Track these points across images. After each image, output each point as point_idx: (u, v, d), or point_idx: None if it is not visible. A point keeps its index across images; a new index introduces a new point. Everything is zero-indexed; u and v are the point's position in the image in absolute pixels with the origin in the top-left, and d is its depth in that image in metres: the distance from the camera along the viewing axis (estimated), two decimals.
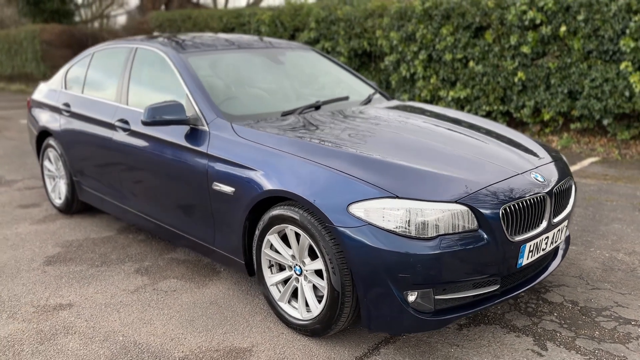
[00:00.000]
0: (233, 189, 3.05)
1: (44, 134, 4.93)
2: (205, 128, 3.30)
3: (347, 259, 2.54)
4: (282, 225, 2.83)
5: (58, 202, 4.90)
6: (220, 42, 4.20)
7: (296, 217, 2.72)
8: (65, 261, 3.91)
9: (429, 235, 2.45)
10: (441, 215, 2.47)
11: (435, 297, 2.53)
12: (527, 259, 2.74)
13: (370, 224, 2.48)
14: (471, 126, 3.54)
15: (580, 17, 6.96)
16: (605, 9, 6.81)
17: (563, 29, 7.13)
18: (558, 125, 7.80)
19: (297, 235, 2.81)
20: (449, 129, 3.38)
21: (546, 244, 2.85)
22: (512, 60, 7.74)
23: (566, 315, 3.06)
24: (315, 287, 2.85)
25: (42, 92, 5.14)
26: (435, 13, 8.33)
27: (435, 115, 3.73)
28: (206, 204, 3.26)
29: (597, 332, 2.89)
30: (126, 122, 3.83)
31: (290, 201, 2.81)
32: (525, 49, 7.51)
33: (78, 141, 4.38)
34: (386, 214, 2.47)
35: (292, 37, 10.56)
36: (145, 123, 3.30)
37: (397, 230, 2.45)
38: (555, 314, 3.07)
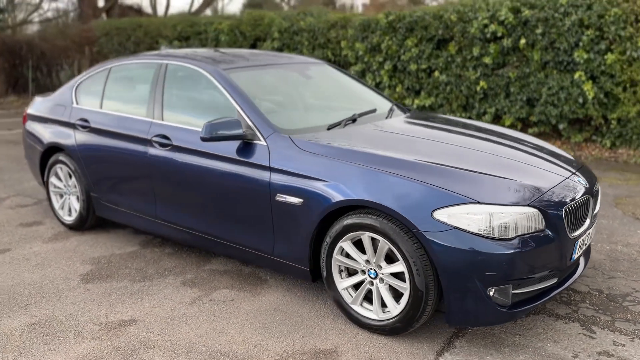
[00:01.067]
0: (301, 200, 3.21)
1: (51, 150, 4.83)
2: (263, 142, 3.44)
3: (434, 261, 2.78)
4: (357, 232, 3.03)
5: (68, 219, 4.80)
6: (248, 57, 4.33)
7: (375, 224, 2.92)
8: (103, 278, 3.89)
9: (510, 236, 2.74)
10: (518, 217, 2.77)
11: (513, 291, 2.82)
12: (577, 253, 3.10)
13: (456, 227, 2.74)
14: (504, 136, 3.87)
15: (538, 31, 7.59)
16: (560, 23, 7.47)
17: (522, 41, 7.74)
18: (517, 130, 8.40)
19: (372, 241, 3.02)
20: (488, 140, 3.69)
21: (588, 239, 3.23)
22: (474, 70, 8.27)
23: (597, 302, 3.45)
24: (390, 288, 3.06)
25: (42, 106, 5.01)
26: (399, 26, 8.74)
27: (464, 126, 4.04)
28: (266, 214, 3.38)
29: (629, 315, 3.29)
30: (166, 138, 3.87)
31: (366, 209, 3.01)
32: (486, 60, 8.07)
33: (100, 157, 4.35)
34: (470, 219, 2.74)
35: (254, 47, 10.67)
36: (204, 139, 3.39)
37: (481, 232, 2.73)
38: (588, 302, 3.46)
